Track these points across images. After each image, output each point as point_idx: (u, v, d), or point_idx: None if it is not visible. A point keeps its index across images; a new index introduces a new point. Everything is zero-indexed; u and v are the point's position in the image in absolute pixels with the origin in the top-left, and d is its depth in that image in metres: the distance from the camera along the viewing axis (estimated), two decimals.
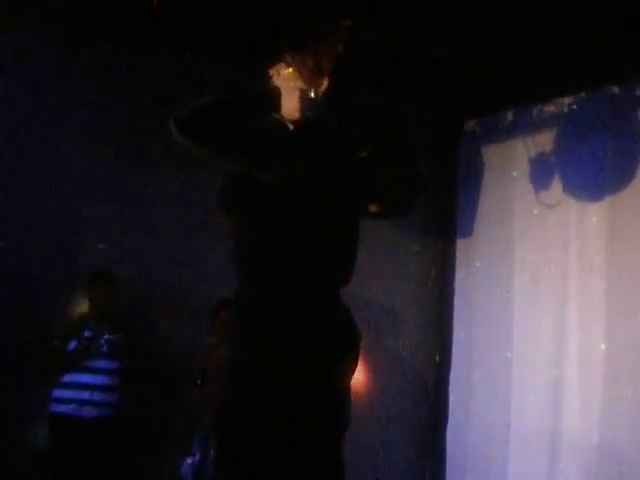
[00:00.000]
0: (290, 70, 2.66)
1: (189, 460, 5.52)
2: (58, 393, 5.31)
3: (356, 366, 2.65)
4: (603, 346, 5.66)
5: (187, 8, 5.13)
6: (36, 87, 5.60)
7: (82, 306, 5.55)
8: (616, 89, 5.75)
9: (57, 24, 5.47)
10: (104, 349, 5.38)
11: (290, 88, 2.63)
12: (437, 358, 7.10)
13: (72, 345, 5.33)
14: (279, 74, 2.67)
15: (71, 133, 5.71)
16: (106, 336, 5.39)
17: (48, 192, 5.64)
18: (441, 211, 7.12)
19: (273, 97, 2.61)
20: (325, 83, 2.66)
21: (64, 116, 5.69)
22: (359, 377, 6.32)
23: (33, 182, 5.59)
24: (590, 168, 5.84)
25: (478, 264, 6.84)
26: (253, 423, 2.50)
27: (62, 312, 5.52)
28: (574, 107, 6.05)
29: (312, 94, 2.65)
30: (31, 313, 5.43)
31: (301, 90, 2.64)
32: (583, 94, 5.99)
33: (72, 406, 5.27)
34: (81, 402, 5.28)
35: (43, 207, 5.62)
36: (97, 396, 5.32)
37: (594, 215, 5.83)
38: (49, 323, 5.42)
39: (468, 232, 6.93)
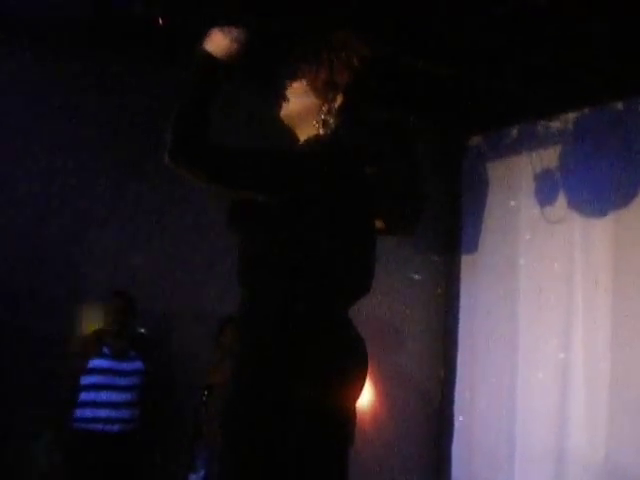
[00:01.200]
0: (302, 82, 2.63)
1: (194, 476, 5.51)
2: (79, 412, 5.31)
3: (363, 385, 2.63)
4: (609, 362, 5.65)
5: (187, 22, 5.14)
6: (32, 100, 5.61)
7: (92, 324, 5.57)
8: (620, 105, 5.76)
9: (53, 36, 5.47)
10: (122, 368, 5.40)
11: (302, 101, 2.63)
12: (442, 374, 7.09)
13: (93, 363, 5.34)
14: (291, 85, 2.66)
15: (74, 148, 5.72)
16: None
17: (51, 209, 5.64)
18: (446, 227, 7.12)
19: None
20: (340, 99, 2.63)
21: (67, 131, 5.70)
22: (363, 393, 6.31)
23: (36, 199, 5.60)
24: (595, 184, 5.84)
25: (483, 280, 6.83)
26: (256, 439, 2.48)
27: (71, 330, 5.53)
28: (579, 123, 6.05)
29: (325, 109, 2.62)
30: (33, 330, 5.43)
31: (313, 104, 2.62)
32: (587, 110, 5.99)
33: (94, 424, 5.28)
34: (101, 420, 5.29)
35: (48, 224, 5.63)
36: (116, 413, 5.33)
37: (599, 231, 5.82)
38: (53, 341, 5.41)
39: (473, 248, 6.93)
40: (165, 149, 2.35)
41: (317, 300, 2.52)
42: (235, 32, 2.48)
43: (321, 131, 2.60)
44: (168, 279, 5.91)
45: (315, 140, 2.60)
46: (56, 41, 5.46)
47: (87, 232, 5.74)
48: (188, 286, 5.95)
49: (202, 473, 5.48)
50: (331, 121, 2.61)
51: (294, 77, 2.65)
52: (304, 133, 2.64)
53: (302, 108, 2.63)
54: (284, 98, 2.65)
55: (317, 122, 2.61)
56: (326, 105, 2.61)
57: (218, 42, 2.46)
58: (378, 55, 2.68)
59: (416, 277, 7.01)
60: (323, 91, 2.61)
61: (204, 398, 5.52)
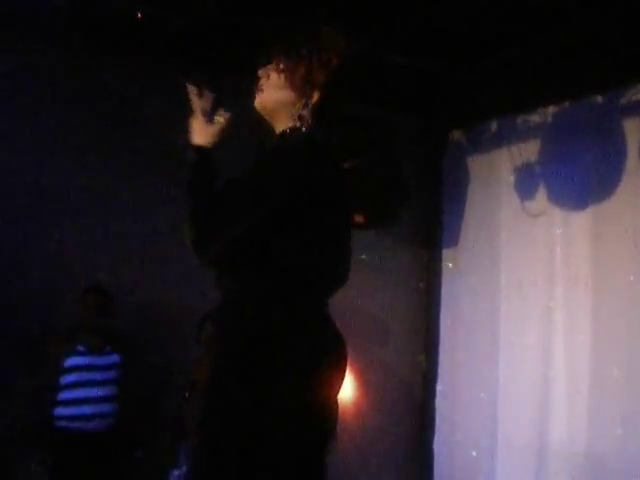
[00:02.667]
0: (281, 76, 2.63)
1: (176, 472, 5.50)
2: (59, 410, 5.28)
3: (343, 381, 2.63)
4: (589, 355, 5.67)
5: (176, 21, 5.14)
6: (26, 103, 5.59)
7: (69, 320, 5.52)
8: (599, 98, 5.77)
9: (33, 27, 5.46)
10: (99, 363, 5.37)
11: (278, 94, 2.62)
12: (423, 367, 7.11)
13: (69, 362, 5.31)
14: (268, 77, 2.66)
15: (64, 149, 5.70)
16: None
17: (39, 208, 5.62)
18: (427, 221, 7.14)
19: None
20: (316, 96, 2.63)
21: (59, 132, 5.69)
22: (345, 386, 6.32)
23: (20, 195, 5.58)
24: (575, 177, 5.86)
25: (464, 273, 6.85)
26: (235, 434, 2.48)
27: (49, 326, 5.49)
28: (558, 117, 6.07)
29: (301, 104, 2.62)
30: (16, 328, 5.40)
31: (289, 98, 2.62)
32: (567, 104, 6.01)
33: (77, 422, 5.26)
34: (83, 417, 5.26)
35: (34, 223, 5.61)
36: (98, 409, 5.31)
37: (579, 224, 5.84)
38: (35, 338, 5.39)
39: (454, 241, 6.95)
40: (189, 240, 2.51)
41: (295, 295, 2.51)
42: (216, 119, 2.57)
43: (297, 124, 2.61)
44: (147, 274, 5.88)
45: (290, 133, 2.61)
46: (36, 31, 5.44)
47: (64, 227, 5.71)
48: (167, 281, 5.92)
49: (184, 468, 5.48)
50: (307, 116, 2.61)
51: (273, 69, 2.65)
52: (279, 125, 2.65)
53: (278, 101, 2.64)
54: (260, 89, 2.66)
55: (292, 115, 2.62)
56: (302, 100, 2.61)
57: (202, 133, 2.58)
58: (358, 54, 2.68)
59: (397, 270, 7.02)
60: (300, 87, 2.61)
61: (186, 394, 5.51)
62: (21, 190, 5.61)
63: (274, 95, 2.64)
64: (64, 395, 5.28)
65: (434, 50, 5.43)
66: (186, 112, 2.64)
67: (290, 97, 2.62)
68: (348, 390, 6.35)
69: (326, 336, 2.57)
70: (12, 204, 5.57)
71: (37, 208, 5.65)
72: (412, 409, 7.04)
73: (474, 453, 6.49)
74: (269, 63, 2.66)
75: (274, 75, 2.64)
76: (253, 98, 2.68)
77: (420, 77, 5.81)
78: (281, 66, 2.63)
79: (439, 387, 6.94)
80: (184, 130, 2.63)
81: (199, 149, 2.59)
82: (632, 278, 5.47)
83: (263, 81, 2.66)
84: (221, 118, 2.61)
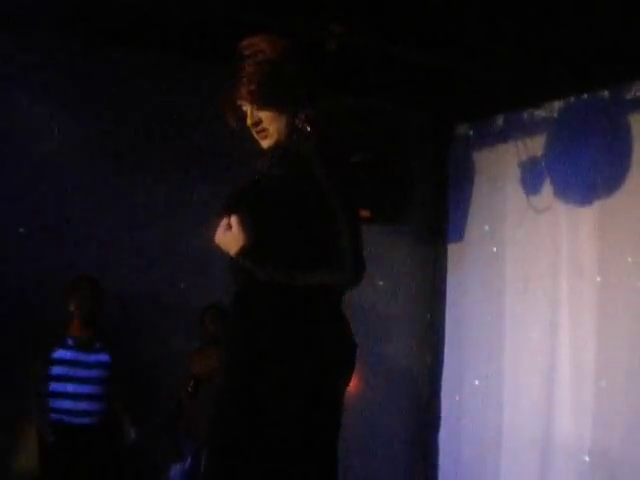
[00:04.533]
0: (268, 106, 2.60)
1: (179, 466, 5.50)
2: (49, 402, 5.23)
3: (350, 377, 2.63)
4: (595, 350, 5.66)
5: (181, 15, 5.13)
6: (27, 98, 5.58)
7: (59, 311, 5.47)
8: (606, 93, 5.76)
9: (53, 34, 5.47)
10: (86, 359, 5.34)
11: (277, 124, 2.61)
12: (429, 363, 7.10)
13: (56, 354, 5.27)
14: (261, 119, 2.62)
15: (64, 143, 5.69)
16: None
17: (34, 202, 5.60)
18: (432, 216, 7.12)
19: None
20: (305, 94, 2.61)
21: (59, 127, 5.68)
22: (351, 384, 6.32)
23: (19, 189, 5.56)
24: (581, 172, 5.85)
25: (469, 268, 6.84)
26: (246, 430, 2.48)
27: (42, 319, 5.41)
28: (564, 111, 6.06)
29: (299, 118, 2.61)
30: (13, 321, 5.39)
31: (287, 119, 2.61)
32: (573, 98, 6.00)
33: (59, 415, 5.23)
34: (67, 411, 5.24)
35: (30, 217, 5.59)
36: (81, 405, 5.28)
37: (585, 219, 5.83)
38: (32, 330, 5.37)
39: (459, 237, 6.94)
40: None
41: (313, 291, 2.51)
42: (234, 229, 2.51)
43: (294, 136, 2.60)
44: (138, 268, 5.85)
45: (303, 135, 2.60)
46: (37, 25, 5.44)
47: (60, 221, 5.68)
48: (163, 276, 5.91)
49: (188, 462, 5.48)
50: (309, 114, 2.60)
51: (255, 110, 2.62)
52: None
53: (285, 125, 2.62)
54: (264, 132, 2.64)
55: (299, 122, 2.60)
56: (299, 107, 2.60)
57: (229, 244, 2.52)
58: (291, 46, 2.64)
59: (402, 266, 7.01)
60: (287, 99, 2.60)
61: (189, 389, 5.49)
62: (29, 188, 5.59)
63: (280, 123, 2.62)
64: (52, 387, 5.23)
65: (441, 45, 5.41)
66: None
67: (288, 115, 2.62)
68: (353, 385, 6.34)
69: (339, 333, 2.57)
70: (18, 201, 5.56)
71: (31, 198, 5.61)
72: (417, 405, 7.03)
73: (479, 449, 6.48)
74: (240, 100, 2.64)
75: (262, 113, 2.62)
76: (263, 144, 2.66)
77: (426, 72, 5.79)
78: (258, 103, 2.61)
79: (444, 383, 6.93)
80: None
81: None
82: (638, 272, 5.47)
83: (260, 127, 2.64)
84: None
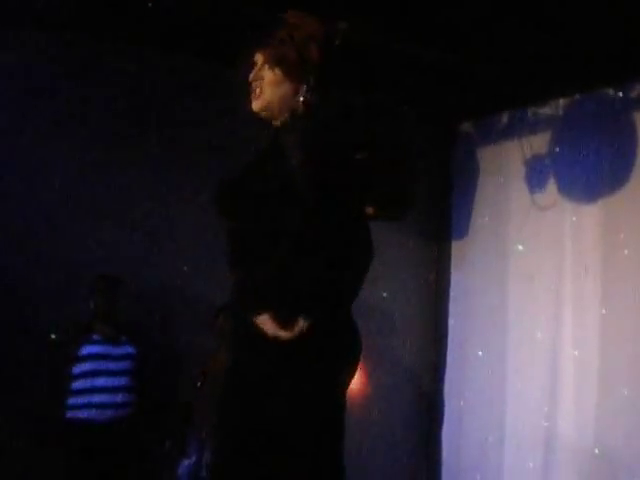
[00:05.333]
0: (275, 71, 2.61)
1: (186, 462, 5.51)
2: (72, 400, 5.29)
3: (354, 374, 2.64)
4: (598, 347, 5.67)
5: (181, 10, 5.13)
6: (29, 94, 5.59)
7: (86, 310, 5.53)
8: (611, 91, 5.76)
9: (51, 29, 5.47)
10: (114, 352, 5.39)
11: (278, 90, 2.62)
12: (432, 360, 7.11)
13: (84, 350, 5.32)
14: (263, 78, 2.64)
15: (68, 138, 5.70)
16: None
17: (47, 198, 5.62)
18: (436, 213, 7.12)
19: None
20: (314, 76, 2.60)
21: (61, 122, 5.68)
22: (355, 380, 6.33)
23: (32, 186, 5.58)
24: (585, 170, 5.85)
25: (473, 265, 6.85)
26: (250, 427, 2.49)
27: (62, 317, 5.47)
28: (569, 109, 6.06)
29: (302, 90, 2.62)
30: (29, 319, 5.41)
31: (289, 90, 2.62)
32: (578, 96, 6.00)
33: (90, 411, 5.27)
34: (96, 406, 5.28)
35: (44, 213, 5.61)
36: (111, 398, 5.33)
37: (589, 216, 5.83)
38: (48, 328, 5.40)
39: (463, 234, 6.95)
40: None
41: (318, 292, 2.52)
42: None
43: (300, 110, 2.61)
44: (160, 264, 5.88)
45: (298, 119, 2.60)
46: (50, 23, 5.45)
47: (77, 219, 5.70)
48: (181, 271, 5.93)
49: (194, 458, 5.49)
50: (311, 99, 2.61)
51: (264, 69, 2.64)
52: (281, 118, 2.65)
53: (281, 96, 2.63)
54: (258, 92, 2.64)
55: (296, 104, 2.61)
56: (303, 86, 2.61)
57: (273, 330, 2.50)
58: (334, 31, 2.66)
59: (407, 263, 7.01)
60: (297, 73, 2.60)
61: (198, 384, 5.52)
62: (31, 185, 5.61)
63: (276, 92, 2.63)
64: (78, 384, 5.28)
65: (445, 41, 5.41)
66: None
67: (291, 88, 2.62)
68: (357, 381, 6.36)
69: (341, 331, 2.58)
70: (30, 196, 5.57)
71: (45, 197, 5.63)
72: (421, 401, 7.04)
73: (482, 445, 6.49)
74: (253, 64, 2.66)
75: (268, 73, 2.63)
76: (249, 104, 2.67)
77: (431, 69, 5.79)
78: (271, 61, 2.62)
79: (447, 379, 6.94)
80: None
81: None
82: None
83: (258, 84, 2.65)
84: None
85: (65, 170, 5.66)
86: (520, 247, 6.39)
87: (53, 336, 5.33)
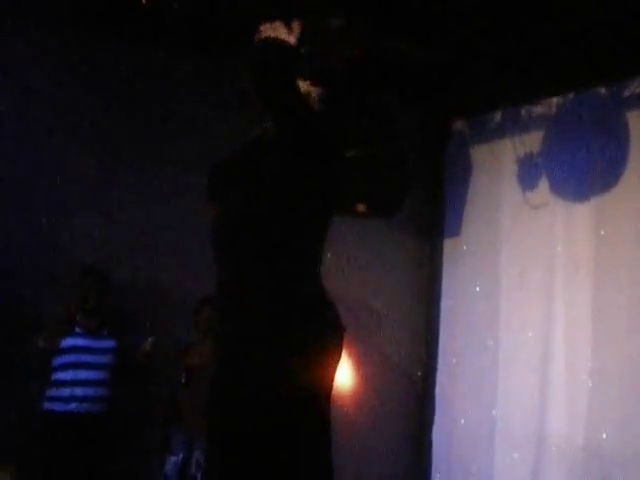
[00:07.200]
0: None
1: (172, 458, 5.50)
2: (52, 391, 5.29)
3: (337, 362, 2.62)
4: (589, 347, 5.68)
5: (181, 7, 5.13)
6: (26, 91, 5.58)
7: (71, 303, 5.52)
8: (603, 90, 5.77)
9: (52, 26, 5.46)
10: (95, 345, 5.39)
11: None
12: (424, 357, 7.12)
13: (66, 342, 5.32)
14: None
15: (60, 134, 5.69)
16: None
17: (35, 192, 5.61)
18: (429, 210, 7.14)
19: None
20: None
21: (55, 118, 5.68)
22: (345, 375, 6.35)
23: (19, 182, 5.57)
24: (577, 169, 5.86)
25: (465, 263, 6.86)
26: (236, 420, 2.49)
27: (47, 310, 5.47)
28: (562, 108, 6.07)
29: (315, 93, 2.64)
30: (14, 311, 5.40)
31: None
32: (571, 95, 6.01)
33: (68, 403, 5.26)
34: (76, 398, 5.27)
35: (30, 207, 5.60)
36: (91, 391, 5.32)
37: (581, 215, 5.84)
38: (32, 321, 5.39)
39: (456, 231, 6.95)
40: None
41: (298, 277, 2.53)
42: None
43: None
44: (145, 259, 5.88)
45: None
46: (49, 18, 5.45)
47: (63, 214, 5.70)
48: (166, 266, 5.93)
49: (181, 456, 5.48)
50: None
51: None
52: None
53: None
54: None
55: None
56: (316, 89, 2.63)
57: None
58: (368, 42, 2.69)
59: (399, 260, 7.02)
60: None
61: (183, 380, 5.51)
62: (29, 178, 5.61)
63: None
64: (58, 376, 5.28)
65: (439, 39, 5.42)
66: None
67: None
68: (349, 379, 6.37)
69: (320, 318, 2.58)
70: (17, 191, 5.57)
71: (43, 196, 5.64)
72: (412, 399, 7.05)
73: (473, 444, 6.51)
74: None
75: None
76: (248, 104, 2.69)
77: (424, 67, 5.80)
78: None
79: (439, 377, 6.95)
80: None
81: None
82: (633, 269, 5.49)
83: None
84: None
85: (51, 166, 5.66)
86: (512, 245, 6.40)
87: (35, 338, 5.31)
